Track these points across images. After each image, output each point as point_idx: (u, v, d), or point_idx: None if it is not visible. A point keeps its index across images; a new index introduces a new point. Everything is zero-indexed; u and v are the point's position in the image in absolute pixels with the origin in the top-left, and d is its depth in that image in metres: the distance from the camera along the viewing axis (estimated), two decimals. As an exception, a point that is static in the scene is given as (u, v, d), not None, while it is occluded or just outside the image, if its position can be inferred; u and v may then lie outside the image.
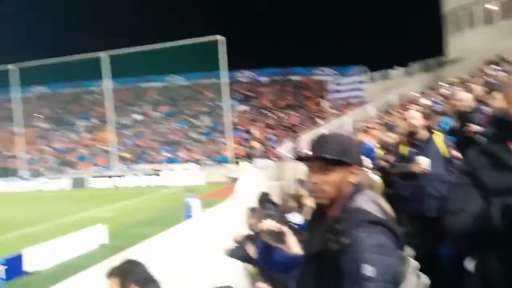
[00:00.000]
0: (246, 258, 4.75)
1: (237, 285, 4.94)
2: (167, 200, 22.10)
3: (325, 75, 41.49)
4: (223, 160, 33.25)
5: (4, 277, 9.31)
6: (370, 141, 8.46)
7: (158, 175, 31.66)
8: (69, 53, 36.79)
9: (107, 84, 37.40)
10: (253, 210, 5.05)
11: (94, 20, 61.83)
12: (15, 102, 39.32)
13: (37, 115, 44.57)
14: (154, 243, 5.10)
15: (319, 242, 1.54)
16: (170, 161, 34.40)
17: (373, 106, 23.54)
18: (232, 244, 5.01)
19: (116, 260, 4.24)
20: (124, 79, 45.00)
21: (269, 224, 1.99)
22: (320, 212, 1.69)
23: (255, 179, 15.62)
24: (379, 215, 1.52)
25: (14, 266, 9.70)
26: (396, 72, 32.20)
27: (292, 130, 32.51)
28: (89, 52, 36.35)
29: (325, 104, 35.01)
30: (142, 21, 62.64)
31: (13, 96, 39.59)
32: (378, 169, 6.23)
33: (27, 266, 10.02)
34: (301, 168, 17.69)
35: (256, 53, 54.02)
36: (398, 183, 4.48)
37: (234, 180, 27.30)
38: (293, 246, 1.95)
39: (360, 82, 28.92)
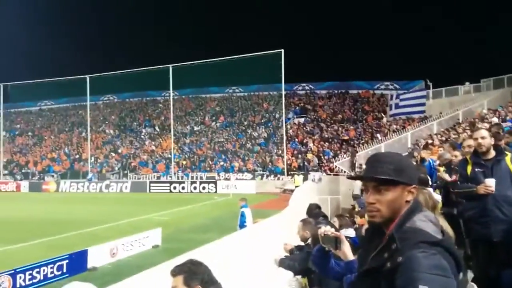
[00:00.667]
0: (296, 269, 4.73)
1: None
2: (221, 207, 22.48)
3: (386, 89, 40.50)
4: (276, 172, 33.33)
5: (67, 271, 9.93)
6: (431, 158, 8.12)
7: (213, 183, 32.40)
8: (134, 66, 39.09)
9: (170, 94, 39.13)
10: (305, 221, 5.04)
11: (158, 34, 64.86)
12: (86, 109, 42.16)
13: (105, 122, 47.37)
14: (210, 248, 5.22)
15: (373, 260, 1.53)
16: (225, 170, 35.05)
17: (437, 123, 22.54)
18: (283, 255, 5.01)
19: (177, 260, 4.41)
20: (186, 90, 46.84)
21: (327, 229, 2.10)
22: (375, 229, 1.69)
23: (309, 192, 15.48)
24: (438, 236, 1.49)
25: (78, 262, 10.32)
26: (465, 88, 30.67)
27: (349, 145, 31.89)
28: (152, 66, 38.34)
29: (385, 119, 34.07)
30: (205, 34, 64.78)
31: (85, 103, 42.55)
32: (439, 187, 5.96)
33: (89, 262, 10.63)
34: (357, 184, 17.28)
35: (315, 66, 53.94)
36: (462, 203, 4.28)
37: (287, 191, 27.32)
38: (348, 252, 2.06)
39: (424, 97, 27.77)
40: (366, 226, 2.74)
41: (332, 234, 2.07)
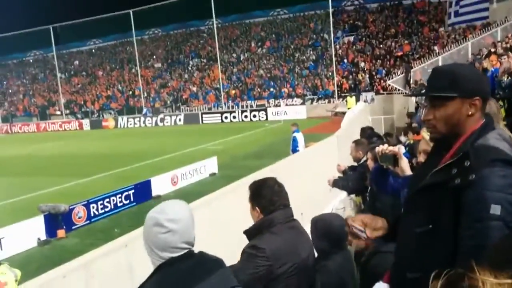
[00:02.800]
0: (350, 188, 4.76)
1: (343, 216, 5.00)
2: (273, 134, 22.74)
3: (443, -4, 37.09)
4: (327, 94, 32.70)
5: (134, 200, 10.72)
6: (494, 67, 7.53)
7: (263, 110, 32.55)
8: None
9: (213, 23, 38.42)
10: (357, 142, 4.96)
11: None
12: (133, 44, 42.67)
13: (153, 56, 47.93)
14: (264, 173, 5.33)
15: (437, 174, 1.46)
16: (275, 96, 34.88)
17: (501, 29, 20.58)
18: (337, 175, 5.02)
19: (234, 185, 4.56)
20: (230, 16, 45.67)
21: (384, 147, 2.13)
22: (437, 144, 1.63)
23: (362, 113, 15.12)
24: None
25: (143, 191, 11.08)
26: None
27: (403, 61, 30.22)
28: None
29: (443, 29, 31.58)
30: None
31: (131, 39, 43.03)
32: (502, 98, 5.58)
33: (153, 191, 11.39)
34: (411, 101, 16.61)
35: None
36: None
37: (338, 114, 26.91)
38: (406, 168, 2.07)
39: (486, 1, 25.12)
40: (423, 141, 2.65)
41: (390, 152, 2.07)
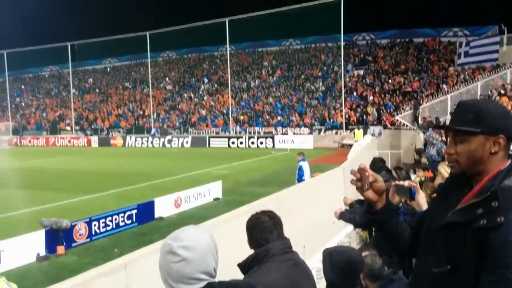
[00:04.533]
0: (357, 222, 4.70)
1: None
2: (279, 162, 22.71)
3: (455, 36, 37.62)
4: (334, 126, 32.79)
5: (136, 220, 10.66)
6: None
7: (271, 137, 32.65)
8: (191, 20, 39.14)
9: (227, 49, 39.11)
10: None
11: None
12: (147, 66, 43.44)
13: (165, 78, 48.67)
14: (269, 201, 5.31)
15: (460, 213, 1.40)
16: (283, 124, 35.04)
17: (511, 71, 20.71)
18: (343, 208, 4.98)
19: (238, 211, 4.52)
20: (243, 44, 46.49)
21: (401, 181, 2.04)
22: (456, 181, 1.56)
23: (369, 146, 15.12)
24: None
25: (146, 211, 11.02)
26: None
27: (412, 97, 30.37)
28: (210, 20, 38.21)
29: (453, 68, 31.86)
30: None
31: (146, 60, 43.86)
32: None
33: (156, 212, 11.32)
34: (420, 137, 16.56)
35: (375, 14, 50.80)
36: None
37: (345, 146, 26.89)
38: (423, 203, 2.02)
39: (497, 43, 25.38)
40: (439, 178, 2.64)
41: (407, 185, 2.00)
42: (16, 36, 62.66)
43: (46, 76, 58.86)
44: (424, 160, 9.19)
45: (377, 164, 5.85)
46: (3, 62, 48.17)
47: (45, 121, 47.19)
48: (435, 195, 1.77)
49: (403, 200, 2.11)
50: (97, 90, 51.12)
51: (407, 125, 21.86)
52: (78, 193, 14.39)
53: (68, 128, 44.68)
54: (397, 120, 24.10)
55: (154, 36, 41.76)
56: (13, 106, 51.46)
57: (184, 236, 1.50)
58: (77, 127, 44.24)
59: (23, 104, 53.15)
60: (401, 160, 18.18)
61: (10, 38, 54.43)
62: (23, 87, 56.87)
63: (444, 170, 4.71)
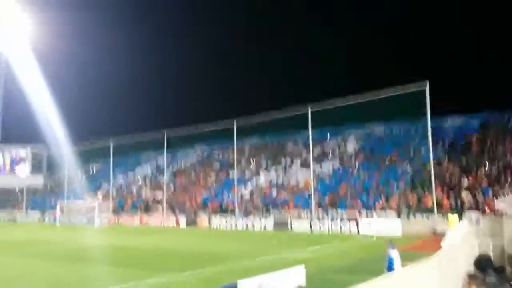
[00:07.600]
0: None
1: None
2: (365, 248, 21.58)
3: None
4: (425, 210, 30.72)
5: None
6: None
7: (354, 220, 31.48)
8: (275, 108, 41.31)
9: (309, 135, 39.95)
10: (472, 276, 4.61)
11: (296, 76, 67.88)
12: (233, 152, 45.70)
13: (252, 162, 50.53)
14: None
15: None
16: (368, 208, 33.72)
17: None
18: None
19: None
20: (324, 128, 47.19)
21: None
22: None
23: (466, 234, 13.89)
24: None
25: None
26: None
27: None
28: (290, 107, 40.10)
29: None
30: (345, 72, 65.29)
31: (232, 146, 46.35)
32: None
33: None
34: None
35: (463, 97, 49.16)
36: None
37: (437, 233, 24.82)
38: None
39: None
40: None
41: None
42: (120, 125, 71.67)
43: (143, 159, 64.15)
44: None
45: (483, 264, 5.39)
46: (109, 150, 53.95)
47: (141, 202, 50.94)
48: None
49: None
50: (187, 174, 54.44)
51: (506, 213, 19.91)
52: (165, 271, 14.84)
53: (160, 208, 47.42)
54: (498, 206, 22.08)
55: (240, 124, 44.17)
56: (114, 187, 56.52)
57: None
58: (168, 208, 46.73)
59: (123, 185, 58.29)
60: (505, 251, 16.31)
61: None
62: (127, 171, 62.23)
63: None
